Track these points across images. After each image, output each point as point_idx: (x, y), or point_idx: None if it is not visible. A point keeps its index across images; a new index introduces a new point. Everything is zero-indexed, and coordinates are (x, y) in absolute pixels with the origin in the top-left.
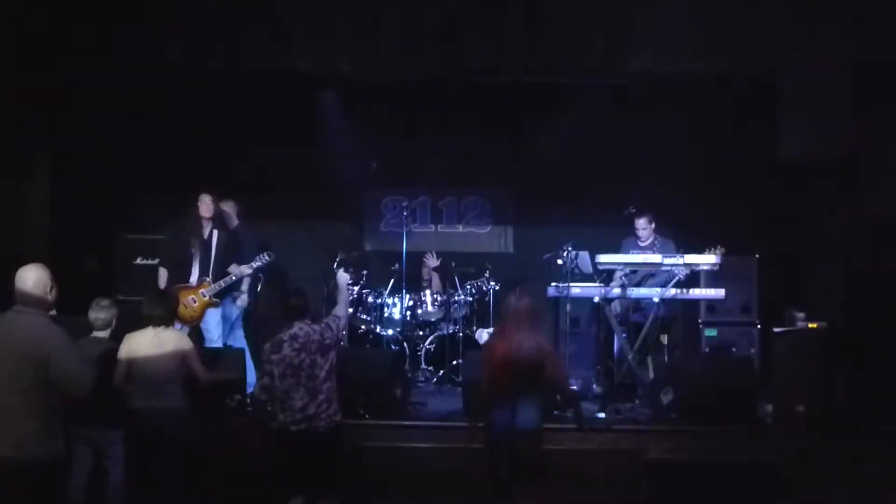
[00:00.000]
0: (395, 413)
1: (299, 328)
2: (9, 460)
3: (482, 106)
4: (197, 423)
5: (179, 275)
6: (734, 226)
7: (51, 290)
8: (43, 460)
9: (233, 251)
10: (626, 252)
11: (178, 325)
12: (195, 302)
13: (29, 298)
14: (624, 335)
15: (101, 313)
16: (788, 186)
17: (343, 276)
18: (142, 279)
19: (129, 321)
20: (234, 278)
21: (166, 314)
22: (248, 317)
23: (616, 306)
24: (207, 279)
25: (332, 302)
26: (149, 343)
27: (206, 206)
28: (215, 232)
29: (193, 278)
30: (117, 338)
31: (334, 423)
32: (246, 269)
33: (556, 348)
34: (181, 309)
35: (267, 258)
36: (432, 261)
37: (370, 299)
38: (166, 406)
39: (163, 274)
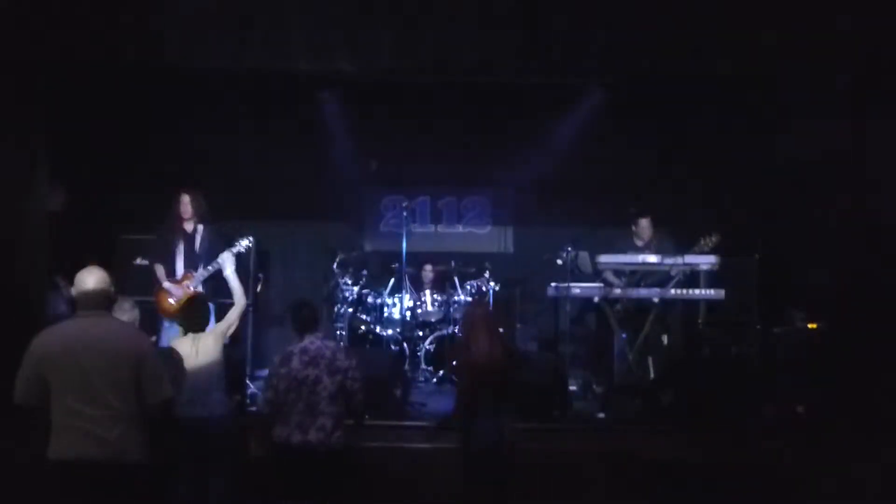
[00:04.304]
0: (395, 413)
1: (310, 342)
2: (99, 463)
3: (482, 106)
4: None
5: (166, 271)
6: (734, 226)
7: (113, 292)
8: (132, 464)
9: (219, 244)
10: (623, 251)
11: (165, 323)
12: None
13: (97, 301)
14: (624, 335)
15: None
16: (788, 186)
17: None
18: (142, 279)
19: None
20: (215, 267)
21: (202, 322)
22: (248, 317)
23: (618, 309)
24: (191, 272)
25: (333, 301)
26: (188, 349)
27: (183, 205)
28: (199, 227)
29: (179, 273)
30: None
31: (334, 446)
32: (227, 256)
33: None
34: (167, 304)
35: (248, 244)
36: (430, 273)
37: (370, 299)
38: (209, 400)
39: (159, 270)
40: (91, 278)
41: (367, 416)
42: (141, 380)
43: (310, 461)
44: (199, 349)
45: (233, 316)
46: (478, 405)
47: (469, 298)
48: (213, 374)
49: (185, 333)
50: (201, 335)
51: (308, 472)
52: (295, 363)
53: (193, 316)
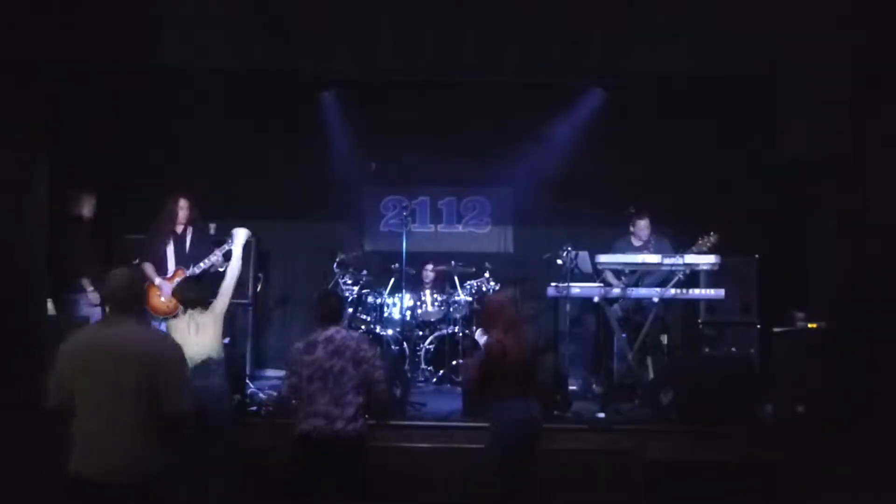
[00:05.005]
0: (395, 413)
1: (336, 331)
2: (112, 482)
3: (482, 106)
4: None
5: (156, 269)
6: (734, 226)
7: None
8: (145, 482)
9: (208, 244)
10: (621, 252)
11: (154, 323)
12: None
13: (122, 305)
14: (624, 335)
15: None
16: (788, 186)
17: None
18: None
19: None
20: (206, 264)
21: (200, 297)
22: (248, 317)
23: (617, 309)
24: (182, 268)
25: None
26: (185, 326)
27: (182, 209)
28: (189, 228)
29: (170, 272)
30: None
31: (357, 436)
32: (217, 254)
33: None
34: (157, 302)
35: (248, 235)
36: (430, 273)
37: (370, 299)
38: (209, 384)
39: (148, 268)
40: (117, 282)
41: (389, 414)
42: (159, 387)
43: (337, 451)
44: (197, 324)
45: (227, 284)
46: (503, 394)
47: (468, 298)
48: (211, 347)
49: (185, 311)
50: (199, 314)
51: (333, 462)
52: (320, 352)
53: (193, 291)
